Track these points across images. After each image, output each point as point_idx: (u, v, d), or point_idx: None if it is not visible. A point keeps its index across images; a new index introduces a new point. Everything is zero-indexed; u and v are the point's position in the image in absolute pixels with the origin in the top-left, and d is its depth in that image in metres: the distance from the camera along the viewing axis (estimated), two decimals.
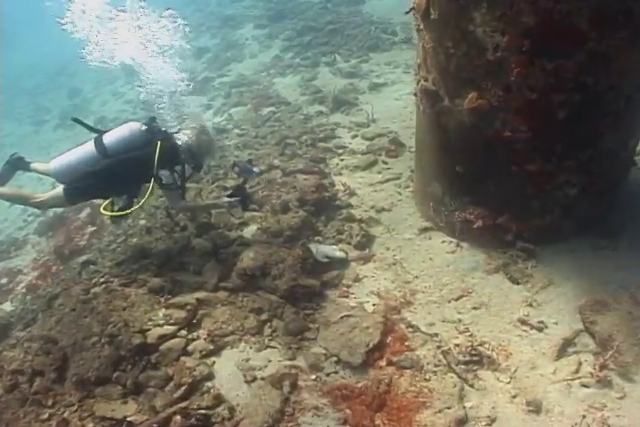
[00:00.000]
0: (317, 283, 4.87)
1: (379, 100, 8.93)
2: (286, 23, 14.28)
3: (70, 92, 18.79)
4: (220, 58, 14.32)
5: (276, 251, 4.98)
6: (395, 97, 9.00)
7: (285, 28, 13.91)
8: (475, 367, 4.03)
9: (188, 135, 5.15)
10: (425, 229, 5.68)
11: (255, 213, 6.18)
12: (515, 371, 3.98)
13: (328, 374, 4.17)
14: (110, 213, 5.20)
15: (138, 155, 4.94)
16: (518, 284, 4.71)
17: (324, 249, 5.34)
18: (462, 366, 4.03)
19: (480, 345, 4.16)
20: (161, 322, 4.76)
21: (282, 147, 7.67)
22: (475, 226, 5.07)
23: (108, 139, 4.99)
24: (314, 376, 4.17)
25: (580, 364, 3.94)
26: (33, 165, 5.42)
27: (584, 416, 3.53)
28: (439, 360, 4.11)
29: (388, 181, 6.67)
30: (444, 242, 5.47)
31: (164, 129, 5.14)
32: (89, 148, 4.99)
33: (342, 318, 4.49)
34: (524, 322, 4.34)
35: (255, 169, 5.40)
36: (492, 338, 4.27)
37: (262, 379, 4.18)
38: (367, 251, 5.51)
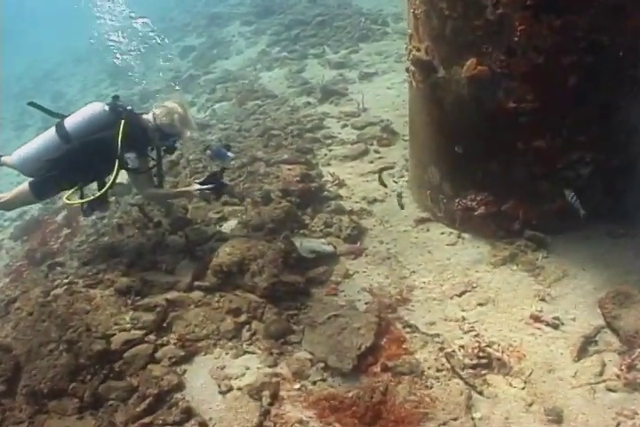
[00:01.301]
0: (302, 280, 4.34)
1: (370, 90, 8.47)
2: (274, 19, 13.87)
3: (54, 96, 18.27)
4: (206, 56, 13.87)
5: (256, 245, 4.45)
6: (386, 86, 8.54)
7: (273, 24, 13.47)
8: (483, 372, 3.51)
9: (157, 113, 4.65)
10: (422, 220, 5.17)
11: (236, 207, 5.66)
12: (529, 375, 3.46)
13: (314, 383, 3.65)
14: (74, 202, 4.72)
15: (100, 137, 4.50)
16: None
17: (310, 243, 4.81)
18: (469, 371, 3.51)
19: (488, 346, 3.65)
20: (127, 326, 4.29)
21: (266, 138, 7.17)
22: (477, 213, 4.55)
23: (70, 122, 4.59)
24: (298, 385, 3.64)
25: (603, 365, 3.44)
26: (3, 159, 5.00)
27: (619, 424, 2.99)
28: (442, 364, 3.58)
29: (380, 170, 6.14)
30: (443, 233, 4.97)
31: (129, 107, 4.68)
32: (50, 134, 4.60)
33: (330, 318, 3.95)
34: (537, 319, 3.84)
35: (230, 154, 4.85)
36: (502, 338, 3.76)
37: (239, 389, 3.68)
38: (358, 244, 4.98)
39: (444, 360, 3.59)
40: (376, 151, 6.58)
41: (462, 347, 3.66)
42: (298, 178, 5.44)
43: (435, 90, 4.32)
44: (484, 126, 4.12)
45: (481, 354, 3.55)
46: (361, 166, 6.34)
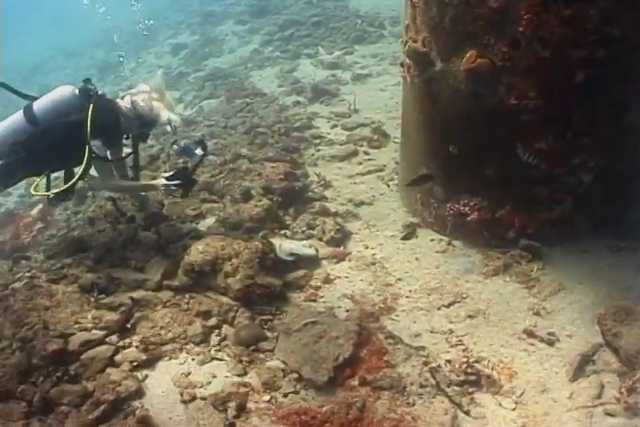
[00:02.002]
0: (279, 283, 4.02)
1: (362, 91, 8.19)
2: (268, 19, 13.57)
3: (41, 89, 17.85)
4: (198, 53, 13.55)
5: (231, 243, 4.12)
6: (380, 88, 8.28)
7: (267, 24, 13.19)
8: (471, 389, 3.21)
9: (135, 100, 4.35)
10: (411, 226, 4.87)
11: (214, 205, 5.34)
12: (521, 395, 3.17)
13: (285, 395, 3.33)
14: (39, 194, 4.44)
15: (68, 121, 4.21)
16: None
17: (290, 245, 4.49)
18: (455, 388, 3.20)
19: (477, 362, 3.36)
20: (89, 325, 3.98)
21: (251, 136, 6.86)
22: (469, 219, 4.26)
23: (39, 105, 4.32)
24: (267, 397, 3.31)
25: (602, 386, 3.16)
26: None
27: None
28: (426, 380, 3.27)
29: (369, 172, 5.90)
30: (432, 240, 4.69)
31: (100, 92, 4.38)
32: (18, 116, 4.33)
33: (306, 325, 3.63)
34: (530, 334, 3.56)
35: (197, 151, 4.48)
36: (492, 353, 3.47)
37: (203, 399, 3.35)
38: (342, 248, 4.67)
39: (428, 375, 3.28)
40: (366, 153, 6.30)
41: (449, 362, 3.36)
42: (281, 176, 5.13)
43: (430, 85, 4.05)
44: (481, 125, 3.85)
45: (469, 370, 3.25)
46: (349, 168, 6.04)
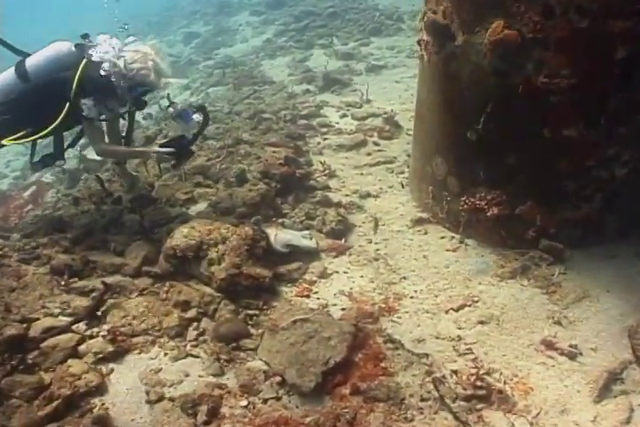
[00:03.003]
0: (268, 274, 3.60)
1: (376, 82, 7.77)
2: (284, 10, 13.19)
3: None
4: (209, 42, 13.23)
5: (218, 227, 3.70)
6: (395, 79, 7.86)
7: (283, 15, 12.83)
8: (479, 406, 2.77)
9: (128, 58, 3.93)
10: (420, 221, 4.46)
11: (208, 190, 4.92)
12: (537, 414, 2.73)
13: (265, 401, 2.91)
14: (11, 142, 4.03)
15: (59, 77, 3.90)
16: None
17: (287, 235, 4.07)
18: (461, 403, 2.76)
19: (488, 374, 2.92)
20: (55, 311, 3.61)
21: (255, 121, 6.46)
22: (485, 215, 3.82)
23: (31, 61, 4.03)
24: (245, 402, 2.90)
25: (631, 410, 2.72)
26: None
27: None
28: (428, 392, 2.83)
29: (378, 164, 5.47)
30: (443, 237, 4.26)
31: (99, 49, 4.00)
32: (9, 73, 4.06)
33: (295, 322, 3.20)
34: (549, 345, 3.12)
35: (195, 116, 4.09)
36: (505, 365, 3.04)
37: (171, 400, 2.96)
38: (343, 241, 4.24)
39: (430, 387, 2.84)
40: (375, 143, 5.87)
41: (455, 372, 2.93)
42: (282, 161, 4.71)
43: (449, 62, 3.63)
44: (504, 107, 3.41)
45: (478, 383, 2.81)
46: (356, 158, 5.62)
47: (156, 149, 4.04)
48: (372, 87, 7.35)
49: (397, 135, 6.00)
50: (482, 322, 3.35)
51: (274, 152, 4.95)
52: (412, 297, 3.67)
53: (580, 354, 3.05)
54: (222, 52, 12.29)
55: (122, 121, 4.52)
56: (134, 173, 5.18)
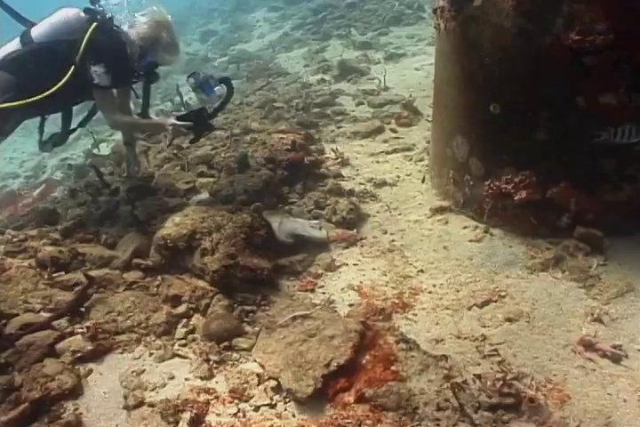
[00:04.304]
0: (268, 266, 3.23)
1: (395, 70, 7.41)
2: (302, 5, 12.87)
3: None
4: (226, 39, 13.00)
5: (213, 215, 3.34)
6: (415, 67, 7.45)
7: (300, 10, 12.52)
8: (506, 417, 2.34)
9: (141, 23, 3.72)
10: (440, 210, 4.06)
11: (211, 179, 4.57)
12: None
13: (257, 408, 2.54)
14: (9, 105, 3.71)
15: (65, 41, 3.66)
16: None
17: (293, 224, 3.69)
18: (485, 414, 2.33)
19: (517, 379, 2.50)
20: (37, 306, 3.32)
21: (266, 110, 6.10)
22: (515, 200, 3.39)
23: (37, 28, 3.82)
24: (234, 409, 2.53)
25: None
26: None
27: None
28: (446, 400, 2.40)
29: (395, 151, 5.09)
30: (466, 227, 3.85)
31: (109, 15, 3.77)
32: (14, 43, 3.84)
33: (295, 319, 2.82)
34: (589, 346, 2.69)
35: (217, 88, 3.75)
36: (537, 369, 2.61)
37: (151, 405, 2.60)
38: (354, 232, 3.85)
39: (449, 394, 2.42)
40: (393, 130, 5.49)
41: (479, 377, 2.50)
42: (289, 147, 4.33)
43: (468, 26, 3.24)
44: (530, 73, 3.00)
45: (505, 390, 2.39)
46: (372, 145, 5.23)
47: (173, 121, 3.71)
48: (391, 75, 6.98)
49: (416, 122, 5.62)
50: (509, 319, 2.93)
51: (281, 138, 4.58)
52: (430, 292, 3.26)
53: (626, 356, 2.62)
54: (238, 48, 12.01)
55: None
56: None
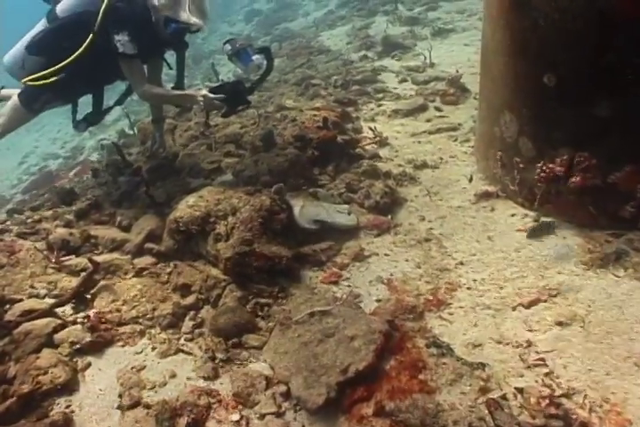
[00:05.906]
0: (287, 254, 2.90)
1: (443, 46, 6.93)
2: None
3: None
4: (270, 18, 12.63)
5: (230, 196, 3.04)
6: (464, 42, 6.95)
7: None
8: None
9: None
10: (486, 195, 3.64)
11: (238, 159, 4.27)
12: None
13: (262, 416, 2.24)
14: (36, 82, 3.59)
15: (86, 12, 3.54)
16: None
17: (317, 209, 3.35)
18: None
19: (566, 396, 2.11)
20: (42, 291, 3.15)
21: (302, 87, 5.75)
22: (571, 185, 2.96)
23: (62, 5, 3.73)
24: (237, 416, 2.25)
25: None
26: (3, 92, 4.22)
27: None
28: (480, 419, 2.04)
29: (439, 131, 4.67)
30: (514, 215, 3.43)
31: None
32: (41, 23, 3.82)
33: (313, 316, 2.49)
34: None
35: (255, 57, 3.43)
36: (592, 384, 2.20)
37: (147, 407, 2.36)
38: (389, 218, 3.49)
39: (484, 412, 2.05)
40: (437, 109, 5.05)
41: (521, 392, 2.13)
42: (320, 124, 3.98)
43: None
44: (592, 38, 2.53)
45: (552, 410, 2.01)
46: (414, 124, 4.83)
47: (206, 93, 3.40)
48: (439, 51, 6.53)
49: (464, 100, 5.16)
50: (561, 324, 2.52)
51: (314, 115, 4.23)
52: (469, 288, 2.88)
53: None
54: (282, 26, 11.67)
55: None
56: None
